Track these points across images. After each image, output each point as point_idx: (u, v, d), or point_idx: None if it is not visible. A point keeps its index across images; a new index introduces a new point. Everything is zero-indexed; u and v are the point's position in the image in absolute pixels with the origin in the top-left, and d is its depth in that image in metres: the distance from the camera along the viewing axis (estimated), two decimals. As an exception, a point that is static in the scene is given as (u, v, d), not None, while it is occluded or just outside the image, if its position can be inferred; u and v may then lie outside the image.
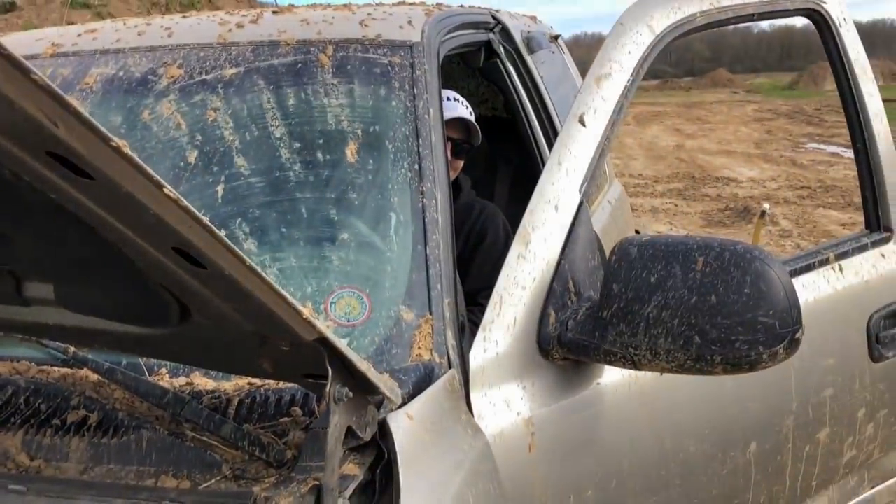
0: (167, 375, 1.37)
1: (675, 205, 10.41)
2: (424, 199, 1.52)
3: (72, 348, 1.38)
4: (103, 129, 0.61)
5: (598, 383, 1.53)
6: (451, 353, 1.39)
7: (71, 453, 1.25)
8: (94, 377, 1.35)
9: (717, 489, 1.73)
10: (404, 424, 1.19)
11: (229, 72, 1.75)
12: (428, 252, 1.48)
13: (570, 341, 1.42)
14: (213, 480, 1.17)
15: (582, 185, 1.58)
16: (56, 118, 0.59)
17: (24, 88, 0.56)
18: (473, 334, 1.45)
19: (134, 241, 0.80)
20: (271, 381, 1.32)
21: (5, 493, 1.17)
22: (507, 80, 2.50)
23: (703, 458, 1.69)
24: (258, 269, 0.81)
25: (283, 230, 1.54)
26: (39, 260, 1.03)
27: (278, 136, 1.65)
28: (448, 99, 2.39)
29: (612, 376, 1.54)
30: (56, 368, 1.40)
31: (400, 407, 1.22)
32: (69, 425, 1.28)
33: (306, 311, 0.90)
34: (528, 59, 2.59)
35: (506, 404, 1.40)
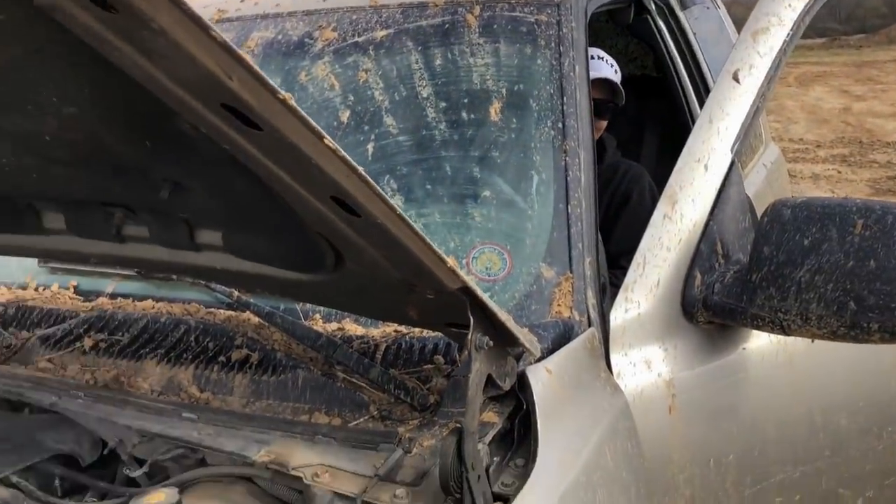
0: (321, 321, 1.46)
1: (839, 171, 9.73)
2: (567, 158, 1.52)
3: (236, 293, 1.50)
4: (271, 82, 0.66)
5: (744, 349, 1.49)
6: (591, 311, 1.39)
7: (235, 388, 1.36)
8: (256, 320, 1.46)
9: (872, 465, 1.65)
10: (543, 377, 1.21)
11: (380, 34, 1.80)
12: (570, 211, 1.48)
13: (716, 304, 1.39)
14: (361, 419, 1.25)
15: (734, 144, 1.53)
16: (230, 72, 0.64)
17: (204, 44, 0.62)
18: (614, 297, 1.45)
19: (296, 190, 0.86)
20: (416, 330, 1.38)
21: (180, 420, 1.30)
22: (658, 37, 2.43)
23: (856, 432, 1.62)
24: (407, 217, 0.85)
25: (429, 187, 1.59)
26: (211, 209, 1.13)
27: (425, 95, 1.69)
28: (593, 58, 2.35)
29: (758, 342, 1.49)
30: (222, 311, 1.52)
31: (539, 361, 1.24)
32: (233, 363, 1.39)
33: (450, 261, 0.93)
34: (681, 15, 2.50)
35: (646, 365, 1.39)
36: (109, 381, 1.43)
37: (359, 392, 1.29)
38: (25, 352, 1.56)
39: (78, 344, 1.52)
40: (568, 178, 1.51)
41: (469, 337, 1.04)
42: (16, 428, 1.51)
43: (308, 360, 1.37)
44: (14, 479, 1.44)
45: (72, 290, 1.74)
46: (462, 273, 0.96)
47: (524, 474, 1.11)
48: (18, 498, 1.43)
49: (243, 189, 0.95)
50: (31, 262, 1.83)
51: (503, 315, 1.06)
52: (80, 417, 1.41)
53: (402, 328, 1.39)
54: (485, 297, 1.00)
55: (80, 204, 1.26)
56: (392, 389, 1.27)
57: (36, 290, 1.77)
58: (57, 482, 1.51)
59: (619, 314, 1.40)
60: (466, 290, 0.99)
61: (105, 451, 1.42)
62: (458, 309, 1.03)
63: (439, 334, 1.35)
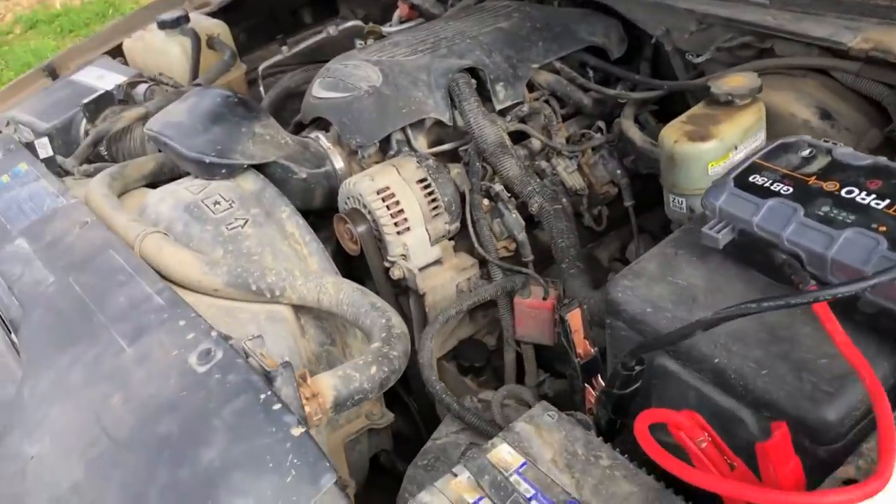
0: None
1: None
2: None
3: None
4: None
5: None
6: None
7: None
8: None
9: None
10: None
11: None
12: None
13: None
14: None
15: None
16: None
17: None
18: None
19: None
20: None
21: (747, 4, 1.20)
22: None
23: None
24: None
25: None
26: None
27: None
28: None
29: None
30: None
31: None
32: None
33: None
34: None
35: None
36: (661, -35, 1.36)
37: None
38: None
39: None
40: None
41: None
42: (552, 18, 1.55)
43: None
44: (557, 65, 1.52)
45: None
46: None
47: None
48: (562, 83, 1.50)
49: None
50: None
51: None
52: (623, 4, 1.38)
53: None
54: None
55: None
56: None
57: None
58: (590, 72, 1.57)
59: None
60: None
61: (653, 40, 1.41)
62: None
63: None
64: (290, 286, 1.12)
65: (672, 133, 1.10)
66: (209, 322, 0.97)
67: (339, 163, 1.44)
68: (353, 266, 1.39)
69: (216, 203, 1.29)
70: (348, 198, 1.33)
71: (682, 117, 1.13)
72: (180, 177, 1.44)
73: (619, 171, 1.47)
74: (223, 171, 1.33)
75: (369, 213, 1.29)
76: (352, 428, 1.26)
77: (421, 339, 1.16)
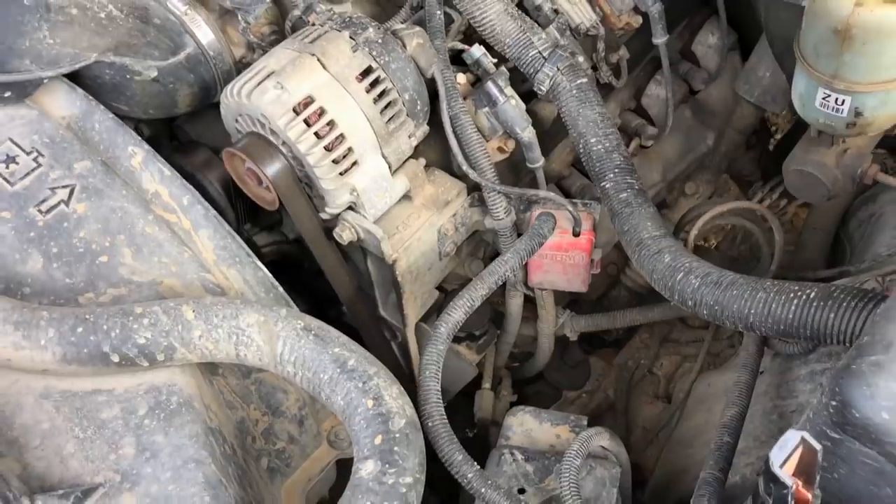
0: None
1: None
2: None
3: None
4: None
5: None
6: None
7: None
8: None
9: None
10: None
11: None
12: None
13: None
14: None
15: None
16: None
17: None
18: None
19: None
20: None
21: None
22: None
23: None
24: None
25: None
26: None
27: None
28: None
29: None
30: None
31: None
32: None
33: None
34: None
35: None
36: None
37: None
38: None
39: None
40: None
41: None
42: None
43: None
44: None
45: None
46: None
47: None
48: None
49: None
50: None
51: None
52: None
53: None
54: None
55: None
56: None
57: None
58: None
59: None
60: None
61: None
62: None
63: None
64: (182, 341, 0.62)
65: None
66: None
67: (205, 35, 0.86)
68: (261, 211, 0.88)
69: (9, 160, 0.73)
70: (241, 115, 0.78)
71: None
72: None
73: (648, -6, 0.95)
74: (7, 93, 0.75)
75: (284, 143, 0.76)
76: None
77: (421, 378, 0.70)
